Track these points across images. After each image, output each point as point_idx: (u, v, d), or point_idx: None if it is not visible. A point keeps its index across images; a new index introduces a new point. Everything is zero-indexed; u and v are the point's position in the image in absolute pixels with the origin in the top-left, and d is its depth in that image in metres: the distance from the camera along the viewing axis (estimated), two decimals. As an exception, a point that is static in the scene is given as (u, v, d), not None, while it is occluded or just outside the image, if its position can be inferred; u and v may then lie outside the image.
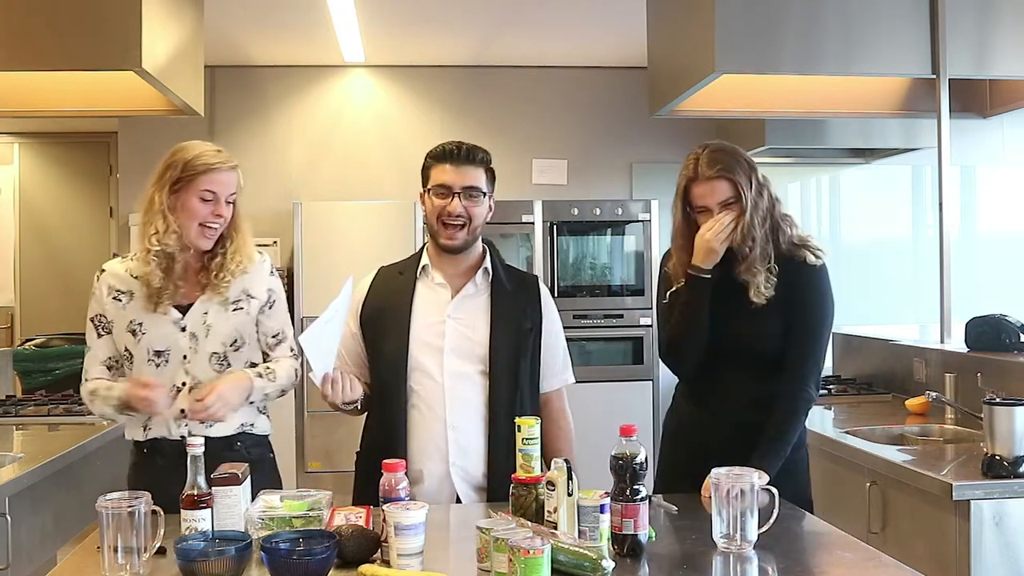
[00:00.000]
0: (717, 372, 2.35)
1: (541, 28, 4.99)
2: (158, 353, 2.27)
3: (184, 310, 2.29)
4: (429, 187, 2.32)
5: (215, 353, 2.30)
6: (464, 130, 5.60)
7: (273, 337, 2.39)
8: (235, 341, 2.32)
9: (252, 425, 2.35)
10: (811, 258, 2.29)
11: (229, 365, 2.31)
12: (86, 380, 2.34)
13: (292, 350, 2.41)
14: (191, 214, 2.24)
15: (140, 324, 2.28)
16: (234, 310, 2.32)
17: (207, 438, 2.16)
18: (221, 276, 2.28)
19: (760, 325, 2.28)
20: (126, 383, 2.24)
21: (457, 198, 2.27)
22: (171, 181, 2.23)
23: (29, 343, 5.46)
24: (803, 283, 2.28)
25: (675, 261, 2.35)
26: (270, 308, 2.38)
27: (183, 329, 2.28)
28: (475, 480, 2.26)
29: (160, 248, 2.23)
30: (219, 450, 2.18)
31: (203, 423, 2.23)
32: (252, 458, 2.28)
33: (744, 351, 2.31)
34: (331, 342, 2.18)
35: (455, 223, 2.28)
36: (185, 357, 2.28)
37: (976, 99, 4.28)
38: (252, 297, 2.35)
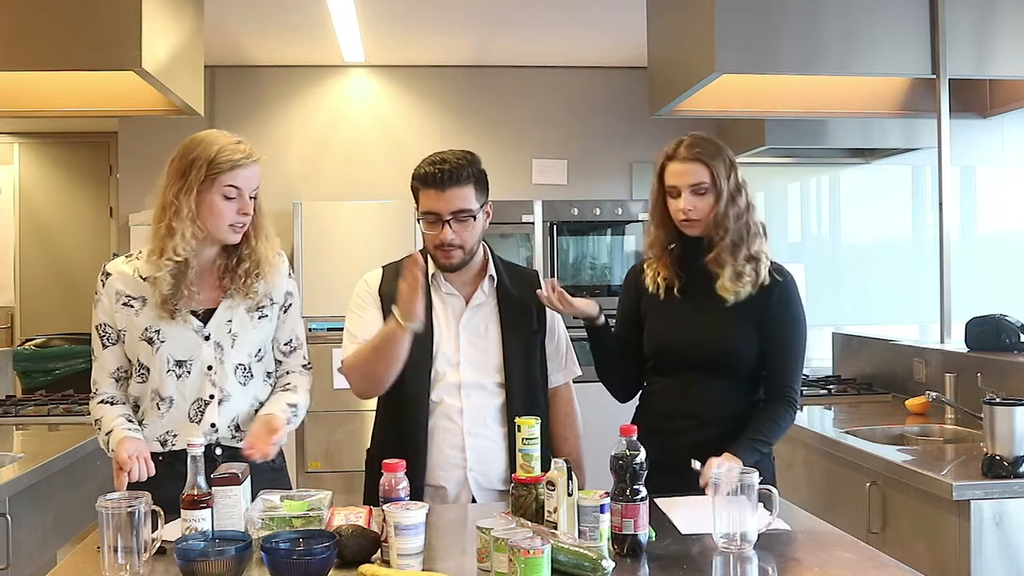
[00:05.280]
0: (684, 382, 2.31)
1: (541, 28, 4.99)
2: (179, 363, 2.13)
3: (202, 316, 2.15)
4: (419, 214, 2.26)
5: (240, 364, 2.18)
6: (464, 130, 5.61)
7: (286, 344, 2.28)
8: (259, 351, 2.22)
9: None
10: (777, 273, 2.27)
11: (252, 376, 2.20)
12: (95, 393, 2.18)
13: (305, 358, 2.31)
14: (218, 215, 2.10)
15: (157, 332, 2.12)
16: (259, 318, 2.20)
17: (239, 449, 2.13)
18: (248, 283, 2.16)
19: (730, 337, 2.26)
20: (119, 443, 2.04)
21: (447, 226, 2.20)
22: (198, 182, 2.08)
23: (29, 343, 5.47)
24: (776, 297, 2.26)
25: (651, 237, 2.36)
26: (285, 312, 2.26)
27: (207, 338, 2.14)
28: (493, 486, 2.26)
29: (184, 256, 2.08)
30: (251, 461, 2.08)
31: (236, 440, 2.15)
32: (276, 467, 2.26)
33: (713, 363, 2.28)
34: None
35: (448, 249, 2.23)
36: (210, 368, 2.14)
37: (976, 99, 4.28)
38: (274, 302, 2.24)
